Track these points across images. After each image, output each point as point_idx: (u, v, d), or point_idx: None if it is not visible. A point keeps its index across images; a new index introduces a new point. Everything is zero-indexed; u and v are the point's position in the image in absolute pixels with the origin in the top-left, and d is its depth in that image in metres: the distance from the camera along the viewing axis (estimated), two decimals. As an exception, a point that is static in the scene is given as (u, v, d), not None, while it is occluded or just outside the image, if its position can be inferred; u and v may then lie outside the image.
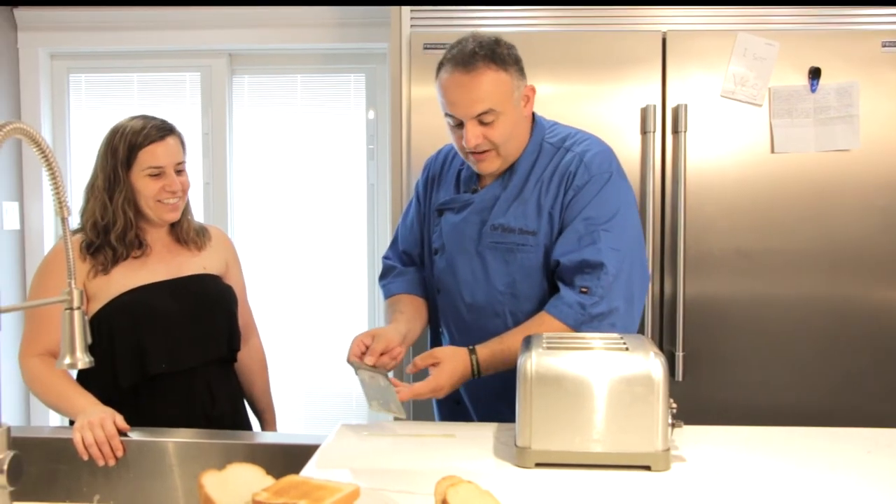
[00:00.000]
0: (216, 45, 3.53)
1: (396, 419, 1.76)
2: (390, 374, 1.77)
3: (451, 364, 1.72)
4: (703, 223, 2.61)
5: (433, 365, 1.73)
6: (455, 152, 1.99)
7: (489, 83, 1.76)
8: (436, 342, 2.09)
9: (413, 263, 2.10)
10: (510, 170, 1.89)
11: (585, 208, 1.81)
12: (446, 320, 2.00)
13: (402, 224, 2.13)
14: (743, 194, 2.61)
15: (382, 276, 2.13)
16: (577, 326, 1.75)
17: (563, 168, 1.85)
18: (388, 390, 1.69)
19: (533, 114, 1.93)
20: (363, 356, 1.76)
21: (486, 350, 1.76)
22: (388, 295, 2.08)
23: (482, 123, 1.78)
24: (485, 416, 1.91)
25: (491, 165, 1.85)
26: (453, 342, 1.96)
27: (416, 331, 1.97)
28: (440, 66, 1.83)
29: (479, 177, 1.94)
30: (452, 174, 2.01)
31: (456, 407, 1.99)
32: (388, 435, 1.68)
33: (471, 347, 1.76)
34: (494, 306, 1.89)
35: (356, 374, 1.77)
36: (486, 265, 1.89)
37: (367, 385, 1.74)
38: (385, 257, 2.15)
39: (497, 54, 1.77)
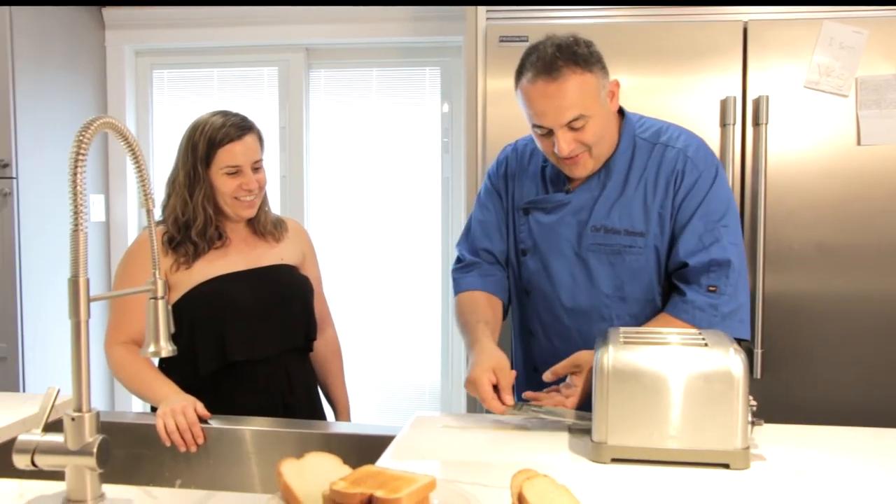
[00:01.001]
0: (293, 40, 3.58)
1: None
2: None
3: (590, 367, 1.64)
4: (784, 217, 2.55)
5: (574, 373, 1.69)
6: (532, 148, 1.95)
7: (575, 88, 1.70)
8: (524, 344, 2.01)
9: (493, 261, 2.00)
10: (605, 168, 1.84)
11: (701, 205, 1.78)
12: (538, 324, 1.94)
13: (479, 217, 2.03)
14: (826, 188, 2.53)
15: (459, 270, 2.02)
16: (711, 328, 1.71)
17: (668, 166, 1.81)
18: (552, 413, 1.64)
19: (620, 108, 1.88)
20: (498, 395, 1.66)
21: None
22: (464, 288, 1.99)
23: (573, 129, 1.73)
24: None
25: (585, 169, 1.80)
26: (550, 347, 1.90)
27: (496, 340, 1.86)
28: (519, 72, 1.77)
29: (568, 175, 1.88)
30: (534, 171, 1.95)
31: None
32: (463, 427, 1.68)
33: None
34: (600, 310, 1.85)
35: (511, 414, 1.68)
36: (588, 268, 1.84)
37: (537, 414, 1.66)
38: (461, 250, 2.06)
39: (579, 56, 1.71)
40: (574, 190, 1.87)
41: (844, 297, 2.54)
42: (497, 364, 1.68)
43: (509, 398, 1.64)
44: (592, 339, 1.70)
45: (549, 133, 1.75)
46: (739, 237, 1.82)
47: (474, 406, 2.73)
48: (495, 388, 1.66)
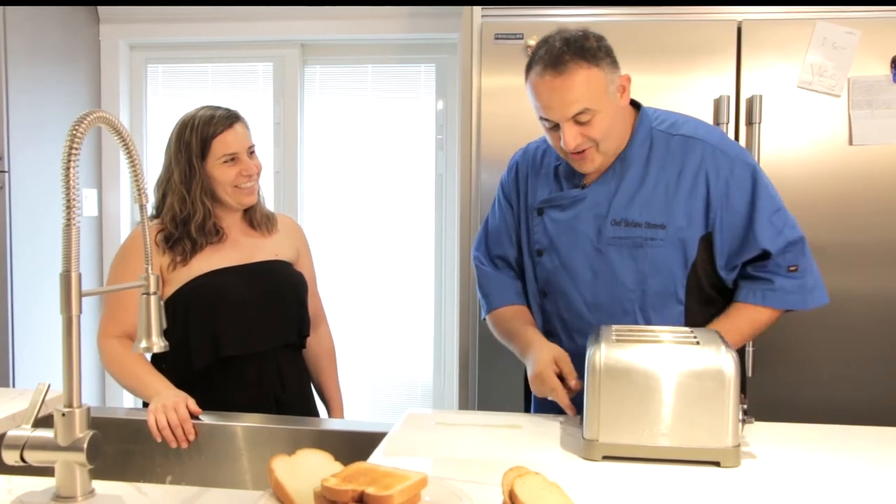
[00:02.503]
0: (289, 36, 3.58)
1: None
2: None
3: None
4: (777, 217, 2.55)
5: None
6: (546, 147, 1.94)
7: (581, 82, 1.69)
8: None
9: (508, 267, 2.01)
10: (621, 161, 1.83)
11: (754, 192, 1.79)
12: (558, 323, 1.92)
13: (492, 226, 2.04)
14: (819, 187, 2.54)
15: (482, 286, 2.04)
16: (801, 306, 1.83)
17: (694, 159, 1.80)
18: None
19: (635, 101, 1.86)
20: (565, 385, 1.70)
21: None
22: (494, 306, 2.00)
23: (579, 123, 1.72)
24: (551, 411, 1.88)
25: (592, 164, 1.79)
26: (572, 346, 1.86)
27: None
28: (529, 67, 1.76)
29: (576, 170, 1.87)
30: (548, 170, 1.94)
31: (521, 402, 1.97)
32: (455, 424, 1.69)
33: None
34: (623, 304, 1.84)
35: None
36: (609, 262, 1.83)
37: None
38: (476, 261, 2.06)
39: (587, 50, 1.70)
40: (590, 185, 1.85)
41: (836, 295, 2.53)
42: (556, 354, 1.73)
43: (577, 382, 1.68)
44: None
45: (557, 126, 1.74)
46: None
47: (466, 403, 2.73)
48: (560, 378, 1.70)
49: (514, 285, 2.00)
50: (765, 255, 1.80)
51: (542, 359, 1.73)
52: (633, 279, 1.82)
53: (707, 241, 1.81)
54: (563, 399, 1.69)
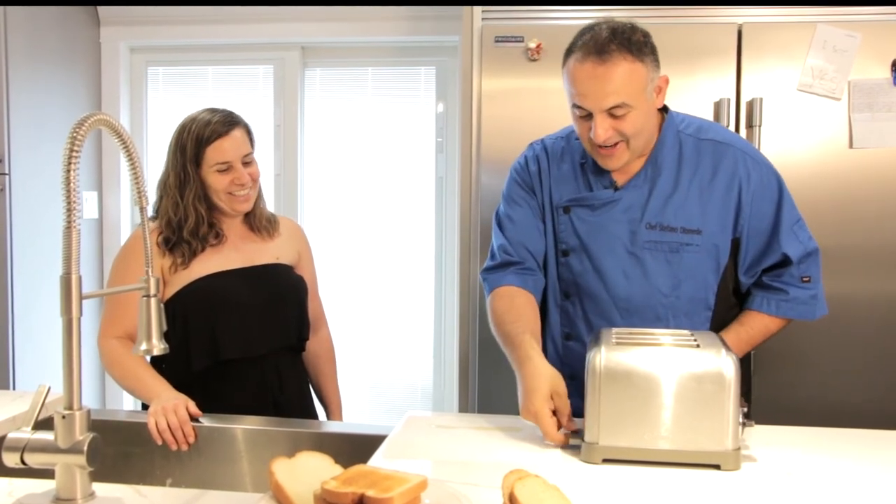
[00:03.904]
0: (289, 39, 3.58)
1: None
2: None
3: None
4: (778, 219, 2.55)
5: None
6: (562, 146, 1.90)
7: (623, 75, 1.65)
8: (561, 350, 1.91)
9: (530, 258, 1.89)
10: (652, 164, 1.80)
11: (782, 202, 1.80)
12: (584, 327, 1.87)
13: (510, 214, 1.92)
14: (819, 190, 2.54)
15: (495, 268, 1.91)
16: (808, 316, 1.84)
17: (728, 165, 1.79)
18: None
19: (664, 105, 1.84)
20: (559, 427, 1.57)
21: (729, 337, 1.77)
22: (500, 284, 1.87)
23: (613, 116, 1.67)
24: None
25: (619, 161, 1.75)
26: None
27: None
28: (569, 51, 1.71)
29: (612, 172, 1.83)
30: (570, 168, 1.88)
31: None
32: (455, 427, 1.68)
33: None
34: (656, 309, 1.80)
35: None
36: (644, 266, 1.80)
37: None
38: (501, 251, 1.91)
39: (633, 43, 1.66)
40: (622, 187, 1.82)
41: (836, 298, 2.54)
42: (554, 388, 1.59)
43: (571, 424, 1.56)
44: None
45: (588, 116, 1.70)
46: None
47: (466, 406, 2.73)
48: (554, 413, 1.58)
49: (530, 274, 1.89)
50: (784, 263, 1.81)
51: (539, 393, 1.57)
52: (667, 284, 1.80)
53: (734, 247, 1.81)
54: (553, 437, 1.55)
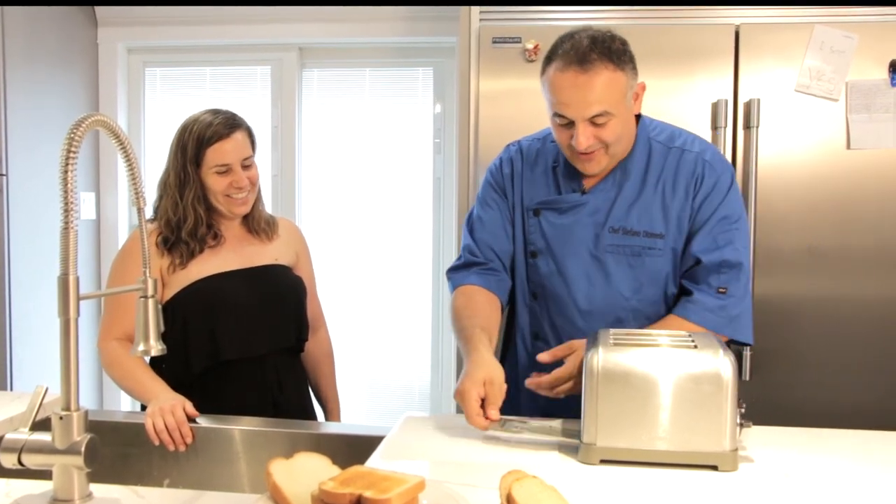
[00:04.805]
0: (286, 40, 3.58)
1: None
2: None
3: (581, 353, 1.58)
4: (774, 220, 2.56)
5: (569, 354, 1.65)
6: (538, 148, 1.93)
7: (605, 84, 1.67)
8: (530, 348, 1.93)
9: (496, 259, 1.92)
10: (622, 169, 1.82)
11: (719, 207, 1.78)
12: (548, 327, 1.90)
13: (485, 218, 1.95)
14: (816, 191, 2.54)
15: (459, 267, 1.95)
16: (719, 330, 1.73)
17: (687, 170, 1.80)
18: (528, 428, 1.62)
19: None
20: (484, 409, 1.58)
21: None
22: (461, 283, 1.91)
23: (594, 124, 1.70)
24: (549, 415, 1.87)
25: (598, 165, 1.77)
26: None
27: (495, 345, 1.77)
28: (548, 60, 1.73)
29: (582, 176, 1.85)
30: (544, 170, 1.91)
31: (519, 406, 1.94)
32: (453, 428, 1.68)
33: None
34: (617, 312, 1.83)
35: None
36: (606, 269, 1.82)
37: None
38: (466, 251, 1.95)
39: (614, 51, 1.68)
40: (590, 190, 1.84)
41: (834, 299, 2.55)
42: (489, 376, 1.59)
43: (495, 413, 1.56)
44: None
45: (570, 124, 1.72)
46: (749, 242, 1.86)
47: (464, 407, 2.72)
48: (484, 401, 1.59)
49: (492, 273, 1.91)
50: (697, 263, 1.79)
51: (472, 377, 1.59)
52: (629, 288, 1.82)
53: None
54: (477, 424, 1.56)
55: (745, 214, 1.85)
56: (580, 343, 1.65)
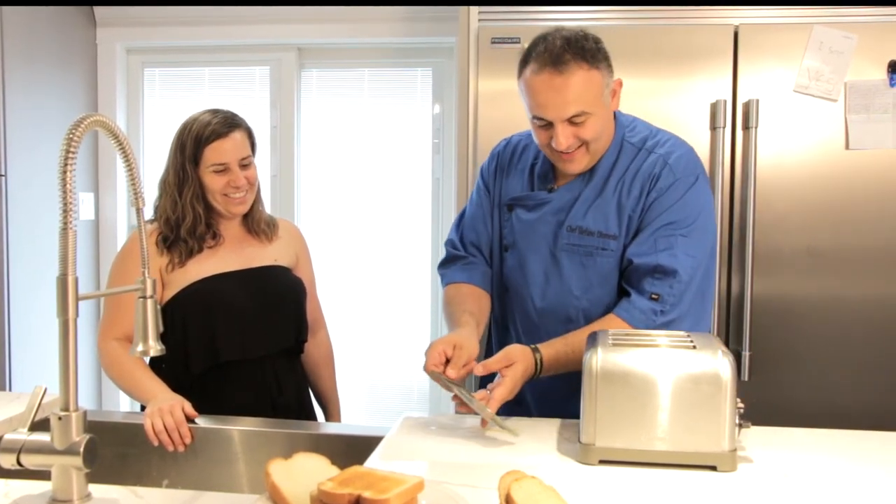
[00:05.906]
0: (285, 40, 3.58)
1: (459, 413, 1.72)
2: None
3: (522, 364, 1.65)
4: (773, 221, 2.56)
5: (507, 366, 1.64)
6: (525, 144, 1.94)
7: (581, 83, 1.67)
8: (500, 340, 1.99)
9: (477, 253, 1.99)
10: (591, 170, 1.82)
11: (667, 211, 1.75)
12: (512, 321, 1.93)
13: (469, 212, 2.02)
14: (815, 191, 2.55)
15: (445, 263, 2.02)
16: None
17: (646, 170, 1.78)
18: (472, 403, 1.61)
19: None
20: (444, 366, 1.65)
21: (550, 350, 1.70)
22: (449, 281, 1.98)
23: (573, 124, 1.70)
24: (547, 416, 1.87)
25: (580, 164, 1.78)
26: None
27: (482, 333, 1.86)
28: (524, 63, 1.74)
29: (555, 174, 1.87)
30: (523, 167, 1.93)
31: (517, 407, 1.95)
32: (452, 428, 1.68)
33: (534, 346, 1.70)
34: (568, 311, 1.83)
35: (433, 380, 1.69)
36: (560, 268, 1.83)
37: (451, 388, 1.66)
38: (449, 245, 2.04)
39: (587, 51, 1.68)
40: (557, 189, 1.86)
41: (833, 300, 2.55)
42: (458, 341, 1.67)
43: (451, 371, 1.63)
44: None
45: (549, 125, 1.72)
46: (701, 251, 1.77)
47: (463, 407, 2.72)
48: (448, 362, 1.66)
49: (475, 267, 1.97)
50: (629, 265, 1.77)
51: (445, 338, 1.69)
52: (579, 286, 1.82)
53: None
54: (427, 366, 1.66)
55: (704, 223, 1.79)
56: (519, 353, 1.66)
